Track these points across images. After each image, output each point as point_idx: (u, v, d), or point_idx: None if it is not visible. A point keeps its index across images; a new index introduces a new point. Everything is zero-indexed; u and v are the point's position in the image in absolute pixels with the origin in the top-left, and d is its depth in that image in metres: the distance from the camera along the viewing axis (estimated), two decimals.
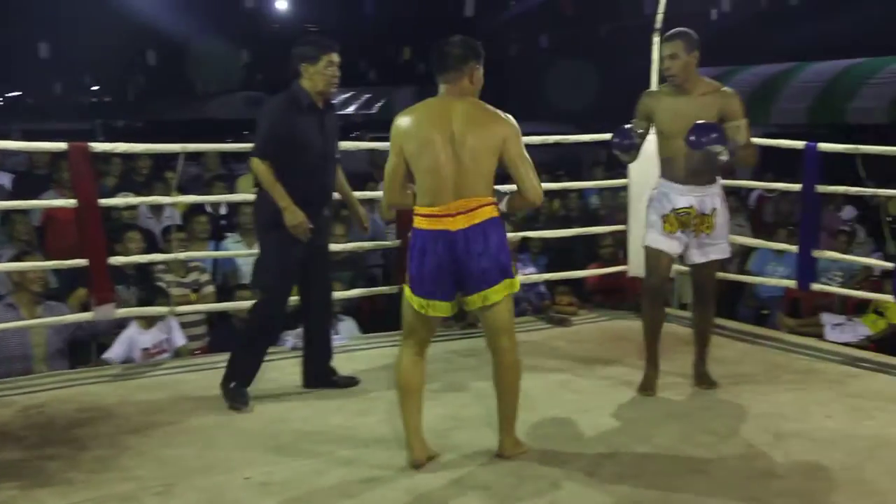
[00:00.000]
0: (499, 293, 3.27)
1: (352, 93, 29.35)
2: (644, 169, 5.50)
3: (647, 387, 4.25)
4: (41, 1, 18.37)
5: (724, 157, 3.91)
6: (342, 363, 4.78)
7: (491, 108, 3.27)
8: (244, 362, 4.13)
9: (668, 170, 4.18)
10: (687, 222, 4.12)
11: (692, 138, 3.86)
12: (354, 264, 6.30)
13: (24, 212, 5.99)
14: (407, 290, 3.29)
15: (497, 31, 19.66)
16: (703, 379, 4.38)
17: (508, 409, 3.41)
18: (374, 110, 26.86)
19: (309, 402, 4.16)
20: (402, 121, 3.25)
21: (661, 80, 5.72)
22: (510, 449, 3.45)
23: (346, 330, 5.47)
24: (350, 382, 4.41)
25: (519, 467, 3.39)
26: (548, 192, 7.69)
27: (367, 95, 28.20)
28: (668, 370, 4.64)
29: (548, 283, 6.08)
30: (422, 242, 3.21)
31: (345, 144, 5.86)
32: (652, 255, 4.20)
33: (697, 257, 4.21)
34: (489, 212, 3.22)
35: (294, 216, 3.96)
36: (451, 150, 3.16)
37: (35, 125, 18.27)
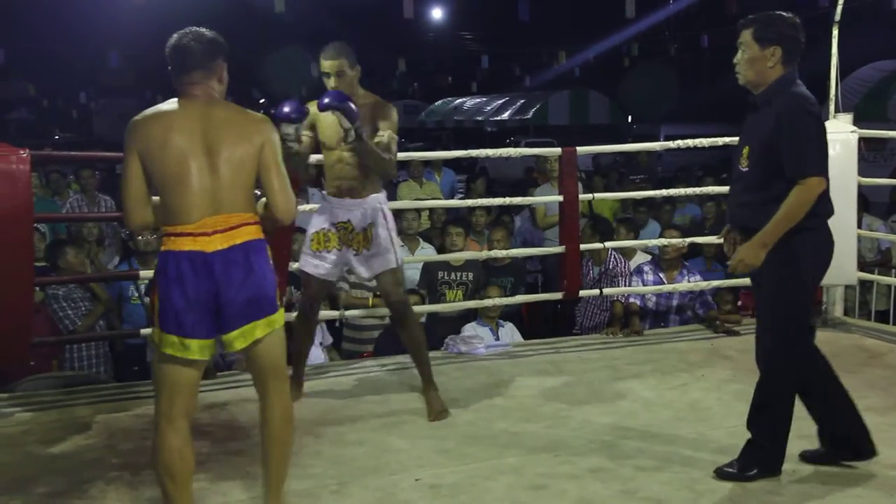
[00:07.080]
0: (262, 329, 2.77)
1: (506, 98, 29.55)
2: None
3: None
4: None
5: (351, 137, 3.69)
6: (505, 368, 4.80)
7: (247, 110, 2.88)
8: None
9: (328, 183, 4.13)
10: (344, 238, 4.05)
11: (324, 100, 3.67)
12: (516, 270, 6.29)
13: None
14: (155, 334, 2.71)
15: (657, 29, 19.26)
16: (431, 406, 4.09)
17: (280, 468, 2.92)
18: (528, 115, 26.94)
19: (472, 408, 4.18)
20: (141, 123, 2.74)
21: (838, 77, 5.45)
22: None
23: (507, 335, 5.48)
24: None
25: (691, 481, 3.29)
26: (716, 196, 7.37)
27: (522, 101, 28.27)
28: None
29: (714, 290, 5.83)
30: (173, 266, 2.67)
31: (504, 151, 5.88)
32: (302, 277, 4.21)
33: (364, 273, 4.11)
34: (253, 231, 2.77)
35: None
36: (206, 159, 2.71)
37: None
